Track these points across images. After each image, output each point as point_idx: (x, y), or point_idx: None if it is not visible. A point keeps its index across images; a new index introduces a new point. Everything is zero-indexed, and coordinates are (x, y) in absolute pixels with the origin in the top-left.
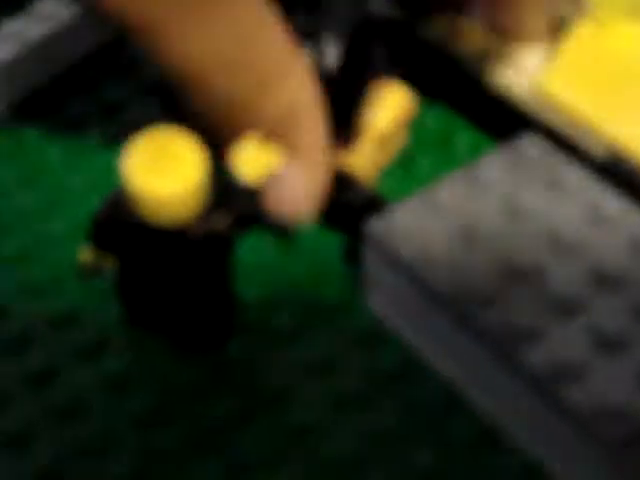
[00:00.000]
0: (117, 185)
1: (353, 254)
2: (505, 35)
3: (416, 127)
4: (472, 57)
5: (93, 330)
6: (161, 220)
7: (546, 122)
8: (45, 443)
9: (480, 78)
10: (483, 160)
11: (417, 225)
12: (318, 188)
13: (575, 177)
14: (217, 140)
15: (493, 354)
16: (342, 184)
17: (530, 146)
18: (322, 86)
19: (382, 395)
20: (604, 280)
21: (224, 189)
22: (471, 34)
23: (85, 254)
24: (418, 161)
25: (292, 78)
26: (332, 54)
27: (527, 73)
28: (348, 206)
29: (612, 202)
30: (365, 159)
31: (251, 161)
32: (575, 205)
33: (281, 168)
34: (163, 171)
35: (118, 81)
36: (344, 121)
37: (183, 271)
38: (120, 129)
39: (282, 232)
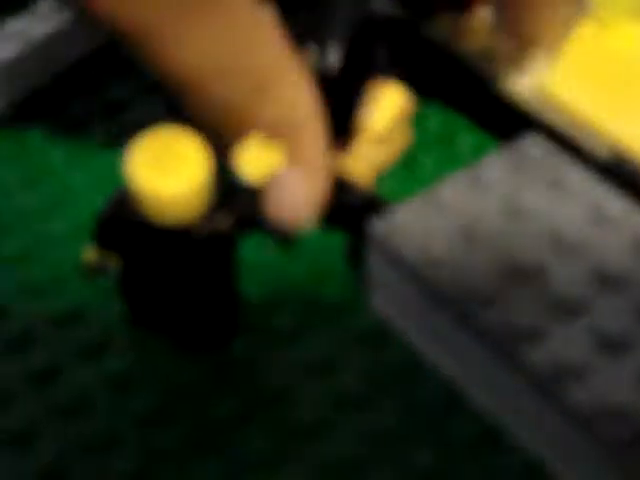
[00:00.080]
0: (120, 184)
1: (355, 254)
2: (520, 40)
3: (418, 127)
4: (475, 57)
5: (96, 329)
6: (165, 220)
7: (549, 122)
8: (48, 441)
9: (483, 78)
10: (485, 160)
11: (419, 225)
12: (318, 194)
13: (578, 177)
14: (217, 142)
15: (494, 354)
16: (340, 187)
17: (533, 146)
18: (323, 87)
19: (383, 395)
20: (606, 280)
21: (227, 189)
22: (475, 33)
23: (89, 253)
24: (420, 161)
25: (291, 83)
26: (333, 54)
27: (530, 73)
28: (347, 208)
29: (615, 203)
30: (362, 160)
31: (254, 161)
32: (578, 205)
33: (281, 174)
34: (167, 170)
35: (121, 80)
36: (345, 122)
37: (187, 270)
38: (123, 129)
39: (283, 237)
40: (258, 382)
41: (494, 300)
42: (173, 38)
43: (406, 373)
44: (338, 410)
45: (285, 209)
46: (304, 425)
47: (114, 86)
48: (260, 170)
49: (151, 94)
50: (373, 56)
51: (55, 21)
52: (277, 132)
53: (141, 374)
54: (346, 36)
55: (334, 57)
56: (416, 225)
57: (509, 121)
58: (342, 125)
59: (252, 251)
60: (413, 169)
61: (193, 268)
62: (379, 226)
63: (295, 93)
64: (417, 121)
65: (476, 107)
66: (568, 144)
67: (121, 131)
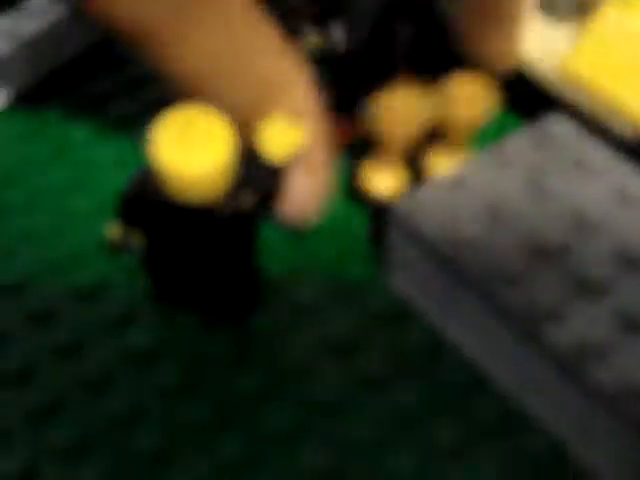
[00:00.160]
0: (141, 161)
1: (377, 233)
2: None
3: None
4: None
5: (119, 304)
6: (188, 198)
7: (572, 102)
8: (73, 415)
9: None
10: (509, 139)
11: (442, 204)
12: (322, 189)
13: (601, 157)
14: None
15: (517, 333)
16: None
17: (556, 126)
18: (345, 65)
19: (404, 374)
20: (629, 260)
21: (250, 167)
22: None
23: (112, 231)
24: None
25: (294, 86)
26: (339, 33)
27: (553, 53)
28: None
29: (638, 182)
30: (449, 157)
31: (277, 140)
32: (601, 185)
33: (289, 178)
34: (191, 150)
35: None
36: (365, 98)
37: (210, 247)
38: (143, 106)
39: (291, 230)
40: (279, 358)
41: (517, 279)
42: (172, 40)
43: (427, 352)
44: (358, 387)
45: (291, 205)
46: (324, 401)
47: (134, 63)
48: (283, 149)
49: None
50: (396, 34)
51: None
52: None
53: (164, 349)
54: (370, 15)
55: (340, 36)
56: (439, 204)
57: (533, 100)
58: (361, 100)
59: (275, 229)
60: None
61: (216, 245)
62: (402, 205)
63: (297, 95)
64: None
65: (500, 86)
66: (592, 124)
67: (141, 108)
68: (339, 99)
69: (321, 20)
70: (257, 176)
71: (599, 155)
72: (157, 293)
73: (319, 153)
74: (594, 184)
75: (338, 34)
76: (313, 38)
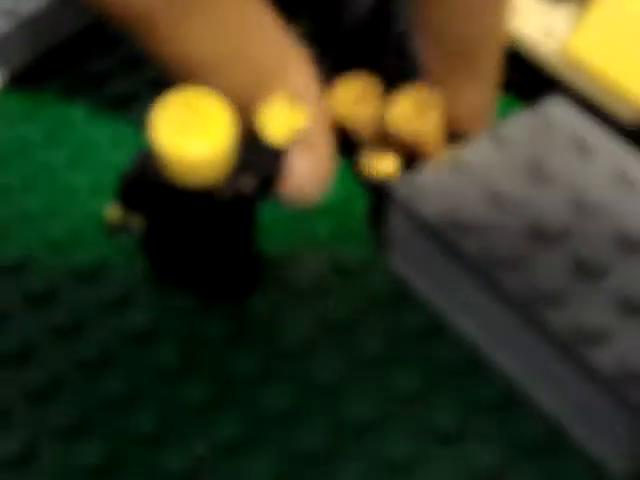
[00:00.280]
0: (139, 140)
1: (376, 215)
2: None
3: None
4: None
5: (118, 285)
6: (188, 181)
7: (573, 85)
8: (72, 396)
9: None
10: (509, 122)
11: (443, 187)
12: (323, 172)
13: (601, 140)
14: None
15: (517, 317)
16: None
17: (556, 109)
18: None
19: (402, 356)
20: (630, 243)
21: (251, 150)
22: None
23: (112, 212)
24: None
25: (292, 72)
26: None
27: (554, 35)
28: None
29: (638, 165)
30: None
31: (278, 122)
32: (601, 168)
33: (290, 158)
34: (191, 133)
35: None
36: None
37: (209, 230)
38: (142, 85)
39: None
40: (278, 339)
41: (517, 262)
42: (164, 26)
43: (426, 334)
44: (356, 369)
45: (292, 187)
46: (322, 382)
47: (131, 43)
48: (284, 131)
49: None
50: (395, 11)
51: None
52: None
53: (163, 330)
54: None
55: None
56: (439, 187)
57: (533, 83)
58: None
59: (274, 209)
60: None
61: (216, 228)
62: (402, 188)
63: (297, 84)
64: None
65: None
66: (592, 107)
67: (139, 88)
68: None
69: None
70: (258, 159)
71: (599, 138)
72: (156, 274)
73: (320, 135)
74: (594, 167)
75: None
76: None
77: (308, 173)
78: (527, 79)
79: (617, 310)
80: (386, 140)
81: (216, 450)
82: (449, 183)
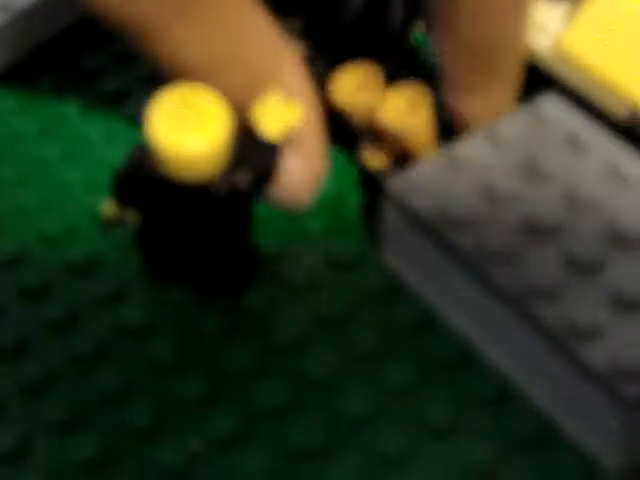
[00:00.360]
0: (134, 136)
1: (370, 210)
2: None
3: None
4: None
5: (113, 280)
6: (184, 177)
7: (566, 81)
8: (67, 390)
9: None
10: (502, 119)
11: (437, 182)
12: (315, 175)
13: (594, 136)
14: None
15: (510, 312)
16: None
17: (550, 105)
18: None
19: (397, 350)
20: (622, 239)
21: (246, 145)
22: None
23: (107, 207)
24: None
25: (286, 73)
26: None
27: (548, 32)
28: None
29: (631, 162)
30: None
31: (272, 117)
32: (594, 164)
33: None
34: (187, 128)
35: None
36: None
37: (204, 225)
38: (135, 80)
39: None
40: (272, 334)
41: (510, 258)
42: (163, 31)
43: (419, 329)
44: (350, 364)
45: (283, 190)
46: (317, 377)
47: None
48: (279, 127)
49: None
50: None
51: None
52: None
53: (158, 325)
54: None
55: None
56: (433, 182)
57: (527, 80)
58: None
59: (269, 205)
60: None
61: (211, 223)
62: (396, 183)
63: (291, 82)
64: None
65: None
66: (585, 103)
67: (133, 83)
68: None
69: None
70: (253, 154)
71: (592, 134)
72: (151, 269)
73: (312, 136)
74: (587, 163)
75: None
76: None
77: (300, 173)
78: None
79: (610, 305)
80: (380, 133)
81: (211, 445)
82: (443, 179)
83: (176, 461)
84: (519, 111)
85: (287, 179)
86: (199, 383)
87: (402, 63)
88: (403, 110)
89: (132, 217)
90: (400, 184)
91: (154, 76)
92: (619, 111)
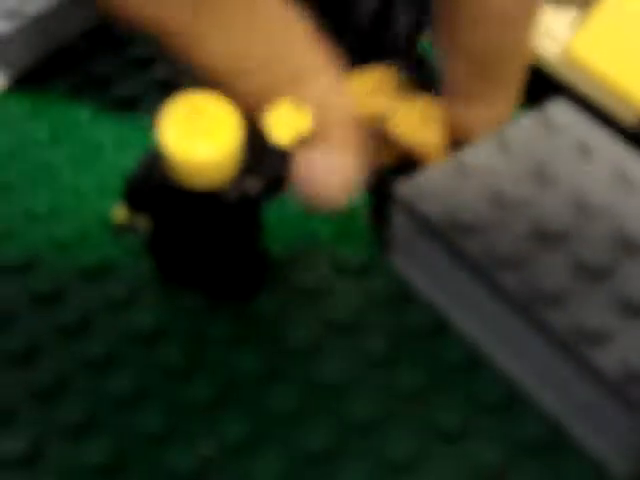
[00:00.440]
0: (145, 141)
1: (379, 215)
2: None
3: None
4: None
5: (124, 284)
6: (195, 184)
7: (575, 87)
8: (78, 396)
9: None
10: (512, 125)
11: (446, 188)
12: (351, 173)
13: (603, 142)
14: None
15: (519, 317)
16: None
17: (559, 111)
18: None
19: (406, 355)
20: (631, 245)
21: (257, 152)
22: None
23: (118, 213)
24: None
25: (322, 73)
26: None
27: (557, 38)
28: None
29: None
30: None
31: (284, 124)
32: (603, 170)
33: (315, 156)
34: (198, 136)
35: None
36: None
37: (215, 231)
38: (147, 86)
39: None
40: (283, 339)
41: (519, 263)
42: (199, 36)
43: (428, 335)
44: (360, 369)
45: (320, 191)
46: (327, 382)
47: (136, 44)
48: (290, 134)
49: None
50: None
51: None
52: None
53: (169, 329)
54: None
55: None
56: (443, 188)
57: (536, 85)
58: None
59: (279, 210)
60: None
61: (222, 229)
62: (405, 189)
63: (327, 83)
64: None
65: None
66: (594, 109)
67: (144, 89)
68: None
69: None
70: (264, 161)
71: (601, 140)
72: (162, 274)
73: (348, 135)
74: (596, 169)
75: None
76: None
77: (337, 174)
78: (530, 82)
79: (618, 311)
80: (390, 141)
81: (222, 449)
82: (452, 184)
83: (188, 465)
84: (528, 117)
85: (324, 180)
86: (210, 388)
87: (410, 71)
88: (415, 124)
89: (143, 223)
90: (409, 189)
91: (166, 82)
92: (628, 117)
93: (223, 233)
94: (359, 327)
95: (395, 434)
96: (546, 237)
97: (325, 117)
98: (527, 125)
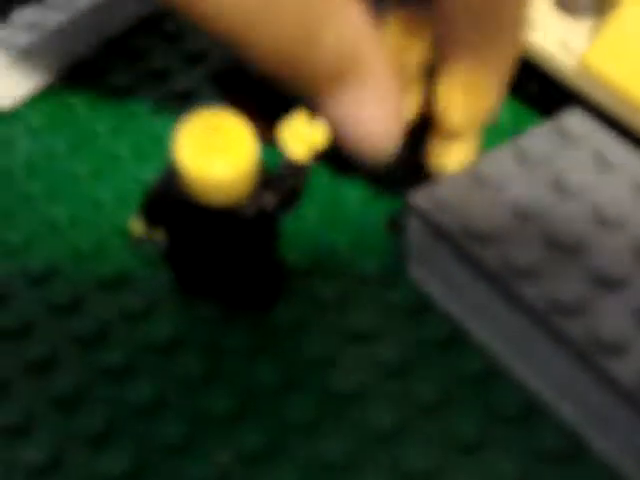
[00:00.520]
0: (164, 153)
1: (396, 225)
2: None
3: None
4: None
5: (142, 295)
6: (211, 200)
7: (591, 98)
8: (96, 406)
9: (525, 51)
10: (528, 135)
11: (462, 198)
12: (395, 119)
13: (620, 153)
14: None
15: (537, 327)
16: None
17: (575, 121)
18: None
19: (424, 365)
20: None
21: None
22: None
23: (136, 225)
24: None
25: (350, 11)
26: None
27: (572, 48)
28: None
29: None
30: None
31: (299, 138)
32: (620, 181)
33: (354, 105)
34: (214, 154)
35: (166, 49)
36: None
37: (233, 245)
38: (167, 97)
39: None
40: (300, 350)
41: (537, 274)
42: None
43: (446, 345)
44: (379, 379)
45: (364, 139)
46: (345, 392)
47: (158, 55)
48: (305, 147)
49: (195, 63)
50: None
51: None
52: (344, 61)
53: (186, 340)
54: None
55: None
56: (459, 198)
57: (550, 97)
58: None
59: (296, 220)
60: None
61: (239, 243)
62: (422, 198)
63: (357, 21)
64: None
65: (517, 81)
66: (610, 120)
67: (164, 101)
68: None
69: None
70: (280, 176)
71: (618, 151)
72: (180, 286)
73: (384, 79)
74: (613, 180)
75: None
76: None
77: (379, 120)
78: (545, 92)
79: (636, 321)
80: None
81: (240, 460)
82: (469, 194)
83: (206, 475)
84: (544, 127)
85: (366, 128)
86: (228, 398)
87: None
88: (458, 92)
89: (161, 235)
90: (426, 200)
91: (186, 94)
92: None
93: (240, 246)
94: (376, 337)
95: (412, 445)
96: (563, 248)
97: (359, 51)
98: (543, 135)
